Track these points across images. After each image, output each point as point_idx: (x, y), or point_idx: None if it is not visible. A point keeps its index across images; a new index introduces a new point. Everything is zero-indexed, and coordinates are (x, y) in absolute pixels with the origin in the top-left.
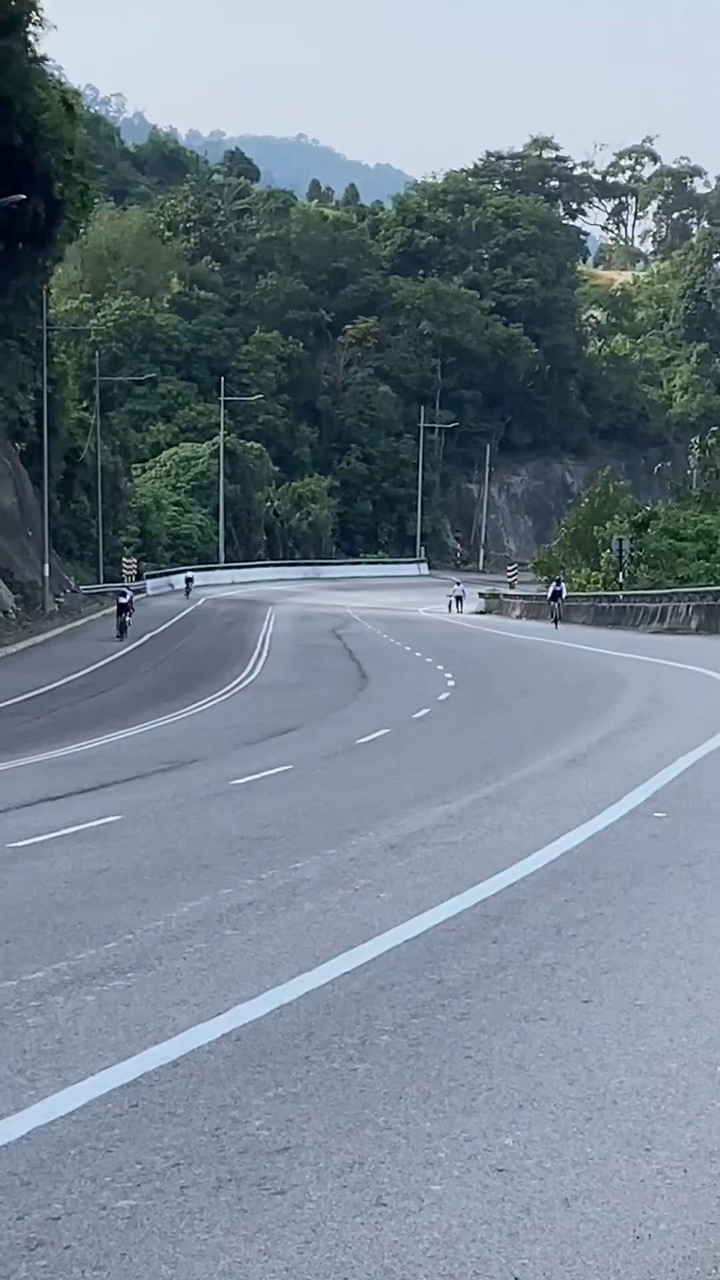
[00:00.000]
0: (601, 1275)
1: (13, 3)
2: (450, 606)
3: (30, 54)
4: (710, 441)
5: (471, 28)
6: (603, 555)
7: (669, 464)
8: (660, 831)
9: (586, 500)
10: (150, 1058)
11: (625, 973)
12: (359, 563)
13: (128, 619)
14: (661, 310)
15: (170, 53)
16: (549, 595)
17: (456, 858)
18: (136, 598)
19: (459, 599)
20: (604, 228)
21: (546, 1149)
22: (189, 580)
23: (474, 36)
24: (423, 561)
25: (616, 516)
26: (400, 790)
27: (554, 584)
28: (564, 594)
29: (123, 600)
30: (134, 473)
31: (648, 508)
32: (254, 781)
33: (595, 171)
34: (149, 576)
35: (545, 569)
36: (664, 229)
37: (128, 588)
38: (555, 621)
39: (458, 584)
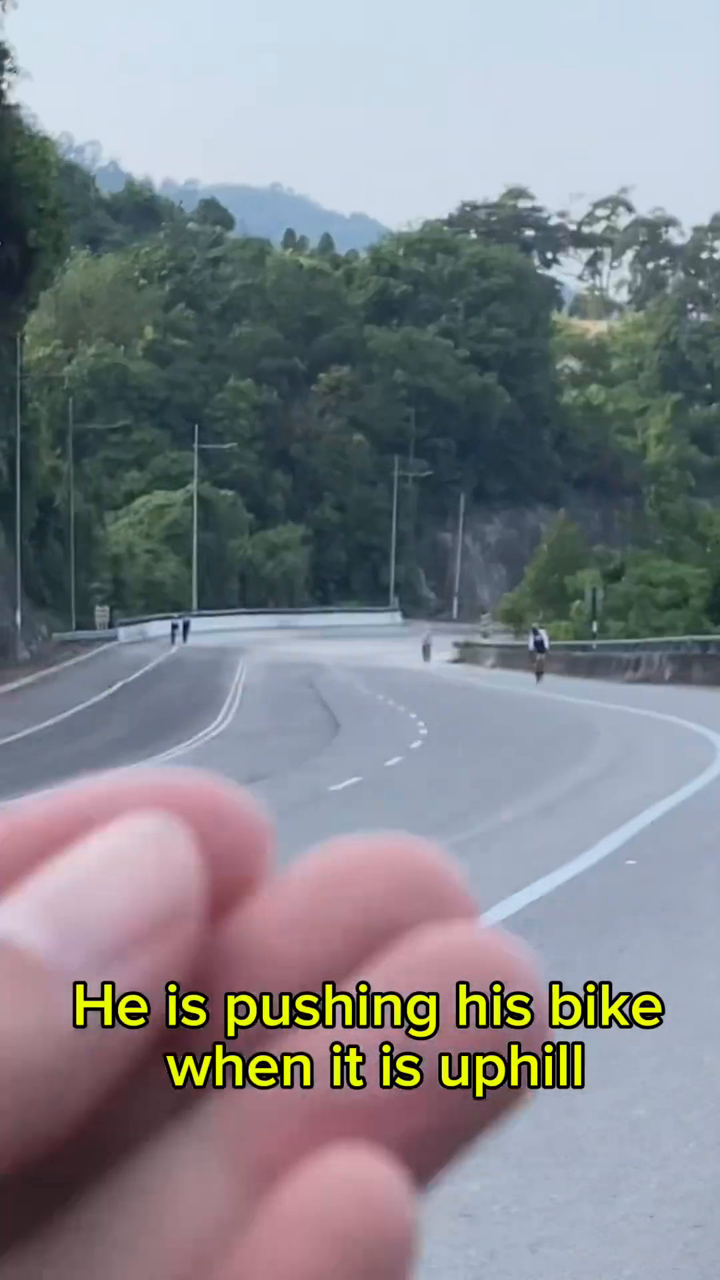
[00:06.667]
0: None
1: None
2: (424, 655)
3: (3, 102)
4: (662, 490)
5: (447, 78)
6: (573, 605)
7: (628, 514)
8: (631, 879)
9: (545, 548)
10: None
11: None
12: (332, 611)
13: (180, 635)
14: (636, 360)
15: (146, 101)
16: (531, 645)
17: None
18: (108, 646)
19: (426, 647)
20: (579, 277)
21: (513, 1195)
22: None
23: (449, 86)
24: (396, 611)
25: (590, 567)
26: None
27: (533, 634)
28: (547, 644)
29: (176, 624)
30: (107, 520)
31: (618, 557)
32: None
33: (571, 221)
34: (121, 624)
35: (513, 617)
36: (639, 279)
37: (181, 618)
38: (538, 675)
39: (429, 632)
